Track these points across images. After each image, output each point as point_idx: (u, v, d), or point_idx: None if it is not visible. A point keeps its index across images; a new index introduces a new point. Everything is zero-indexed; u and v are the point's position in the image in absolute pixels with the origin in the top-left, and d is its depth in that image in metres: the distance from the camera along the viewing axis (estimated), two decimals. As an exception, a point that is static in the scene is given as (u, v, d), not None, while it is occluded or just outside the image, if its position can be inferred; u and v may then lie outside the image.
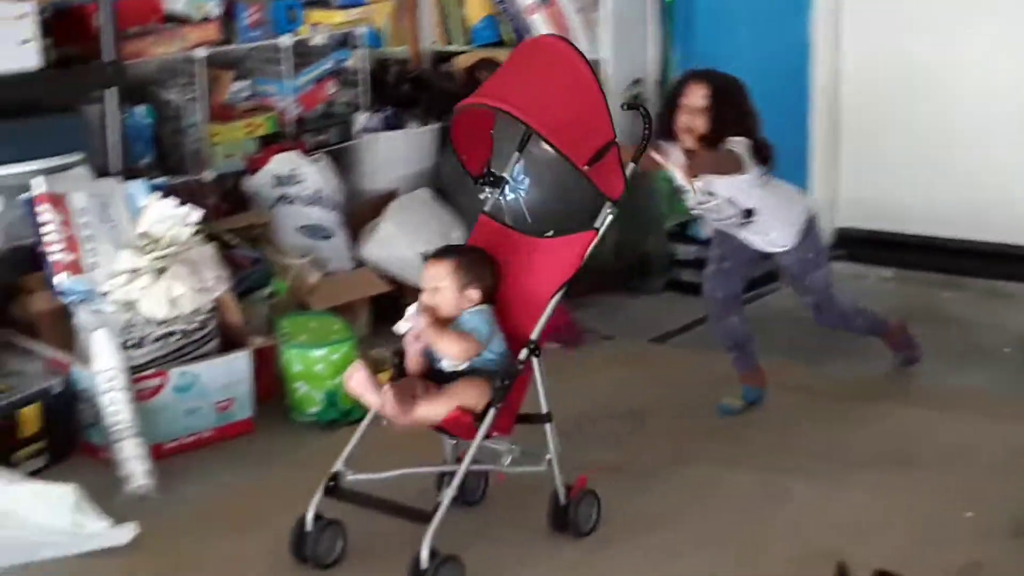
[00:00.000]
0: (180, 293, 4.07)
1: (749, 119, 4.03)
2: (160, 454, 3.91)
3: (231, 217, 5.00)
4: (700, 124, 3.95)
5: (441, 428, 3.36)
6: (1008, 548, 3.33)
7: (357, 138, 5.49)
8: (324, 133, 5.44)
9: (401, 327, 3.38)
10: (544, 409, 3.42)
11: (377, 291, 5.09)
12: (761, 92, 5.78)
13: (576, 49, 3.41)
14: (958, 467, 3.84)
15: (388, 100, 5.77)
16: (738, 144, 3.95)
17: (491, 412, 3.25)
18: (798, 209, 4.23)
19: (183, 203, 4.35)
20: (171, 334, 4.10)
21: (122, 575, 3.30)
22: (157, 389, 4.00)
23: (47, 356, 4.11)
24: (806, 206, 4.30)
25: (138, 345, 4.03)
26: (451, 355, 3.33)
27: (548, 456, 3.40)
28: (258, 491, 3.81)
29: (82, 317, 4.03)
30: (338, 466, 3.33)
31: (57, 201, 4.12)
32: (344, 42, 5.56)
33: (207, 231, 4.43)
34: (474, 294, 3.36)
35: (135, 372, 3.95)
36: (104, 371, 3.85)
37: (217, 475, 3.90)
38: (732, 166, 3.94)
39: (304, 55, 5.38)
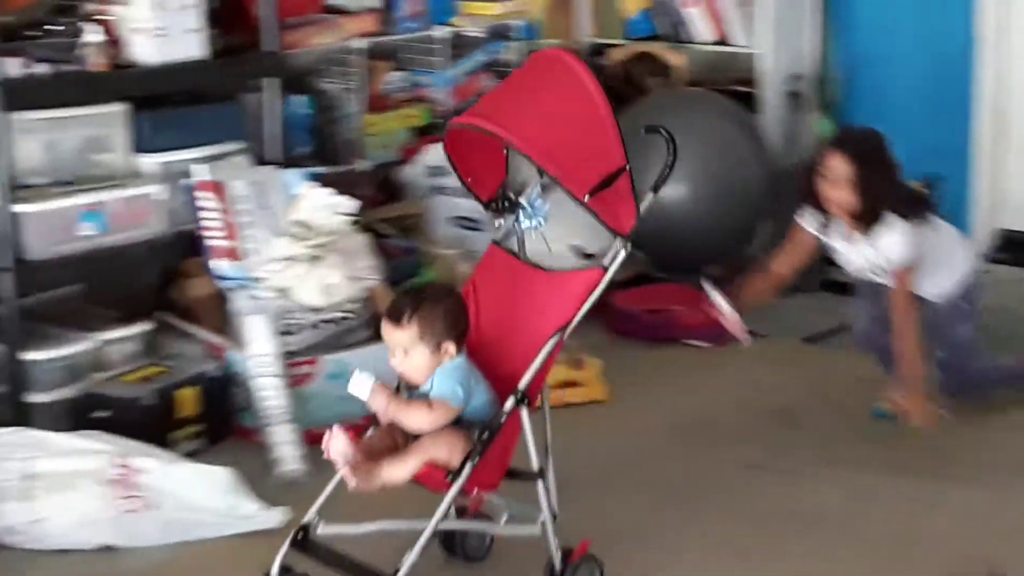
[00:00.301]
0: (334, 282, 4.12)
1: (895, 177, 3.85)
2: (311, 440, 3.95)
3: (384, 207, 5.05)
4: (846, 198, 3.80)
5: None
6: None
7: (510, 130, 5.49)
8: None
9: (354, 390, 3.01)
10: (535, 466, 3.03)
11: (526, 283, 5.09)
12: (922, 86, 5.66)
13: (583, 64, 3.03)
14: None
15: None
16: (897, 236, 3.81)
17: (467, 468, 2.89)
18: (961, 256, 4.05)
19: (339, 192, 4.41)
20: (324, 322, 4.15)
21: (272, 557, 3.34)
22: (310, 376, 4.06)
23: (205, 340, 4.20)
24: (970, 254, 4.13)
25: (292, 332, 4.09)
26: (424, 430, 2.94)
27: (541, 518, 3.05)
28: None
29: (239, 303, 4.11)
30: (309, 516, 3.01)
31: (217, 188, 4.20)
32: (499, 34, 5.57)
33: (361, 221, 4.48)
34: (451, 347, 2.95)
35: (289, 358, 4.01)
36: (259, 356, 3.92)
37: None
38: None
39: (459, 47, 5.41)
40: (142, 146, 4.20)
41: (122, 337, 4.12)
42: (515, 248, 3.25)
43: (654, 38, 6.12)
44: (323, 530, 2.99)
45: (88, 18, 4.04)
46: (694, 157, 5.27)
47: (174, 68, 4.19)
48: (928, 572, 3.23)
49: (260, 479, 3.70)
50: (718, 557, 3.34)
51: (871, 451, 3.94)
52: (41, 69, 3.90)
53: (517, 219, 3.23)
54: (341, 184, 4.79)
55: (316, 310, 4.14)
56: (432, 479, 2.91)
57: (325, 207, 4.33)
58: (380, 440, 2.99)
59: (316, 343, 4.15)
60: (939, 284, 3.96)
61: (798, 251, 4.07)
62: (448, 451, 2.89)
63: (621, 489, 3.74)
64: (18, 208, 3.82)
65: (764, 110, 5.75)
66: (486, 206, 3.23)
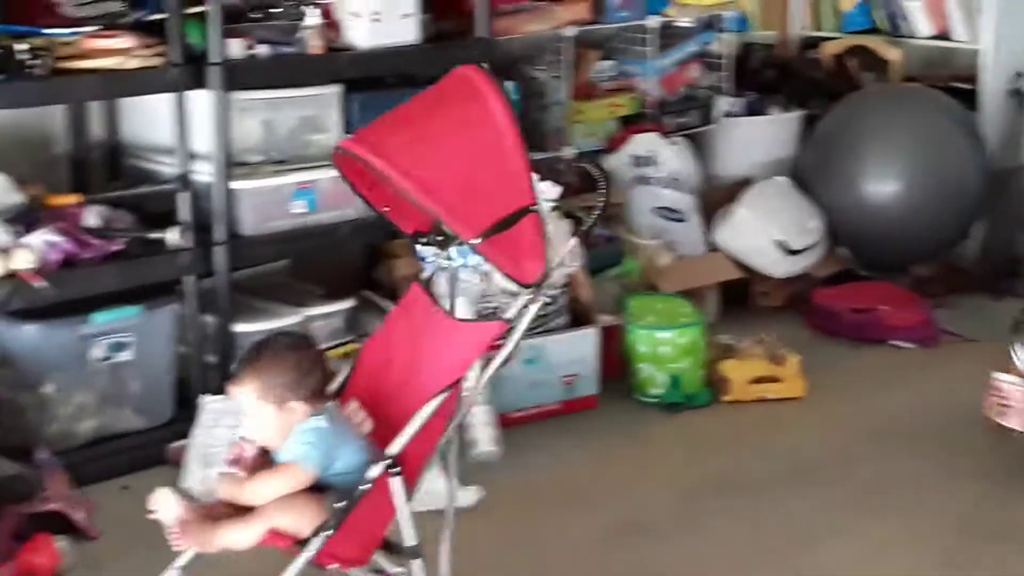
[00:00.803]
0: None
1: None
2: (506, 423, 4.00)
3: (587, 195, 5.05)
4: None
5: None
6: None
7: (717, 122, 5.45)
8: (684, 116, 5.41)
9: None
10: (410, 540, 2.60)
11: (728, 277, 5.05)
12: None
13: (494, 86, 2.60)
14: None
15: (750, 85, 5.70)
16: None
17: (318, 538, 2.47)
18: None
19: (543, 179, 4.43)
20: (524, 307, 4.17)
21: (462, 535, 3.39)
22: (506, 359, 4.09)
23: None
24: None
25: (492, 315, 4.13)
26: (268, 500, 2.51)
27: None
28: (596, 467, 3.86)
29: (441, 284, 4.16)
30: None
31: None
32: (710, 25, 5.52)
33: (564, 208, 4.49)
34: (299, 406, 2.54)
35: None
36: (460, 337, 3.96)
37: (559, 448, 3.97)
38: None
39: (669, 36, 5.37)
40: (353, 127, 4.29)
41: (327, 313, 4.22)
42: (442, 289, 2.89)
43: (871, 31, 5.98)
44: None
45: (309, 2, 4.15)
46: (907, 154, 5.15)
47: (388, 52, 4.27)
48: None
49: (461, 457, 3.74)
50: (902, 564, 3.25)
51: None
52: (262, 50, 4.02)
53: (448, 256, 2.86)
54: (546, 171, 4.83)
55: (516, 294, 4.16)
56: (281, 543, 2.52)
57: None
58: (211, 512, 2.57)
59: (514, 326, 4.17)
60: None
61: None
62: (295, 519, 2.49)
63: (810, 488, 3.67)
64: (235, 185, 3.94)
65: (984, 108, 5.55)
66: (413, 239, 2.82)
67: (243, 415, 2.57)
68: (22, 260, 3.58)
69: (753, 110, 5.58)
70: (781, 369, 4.34)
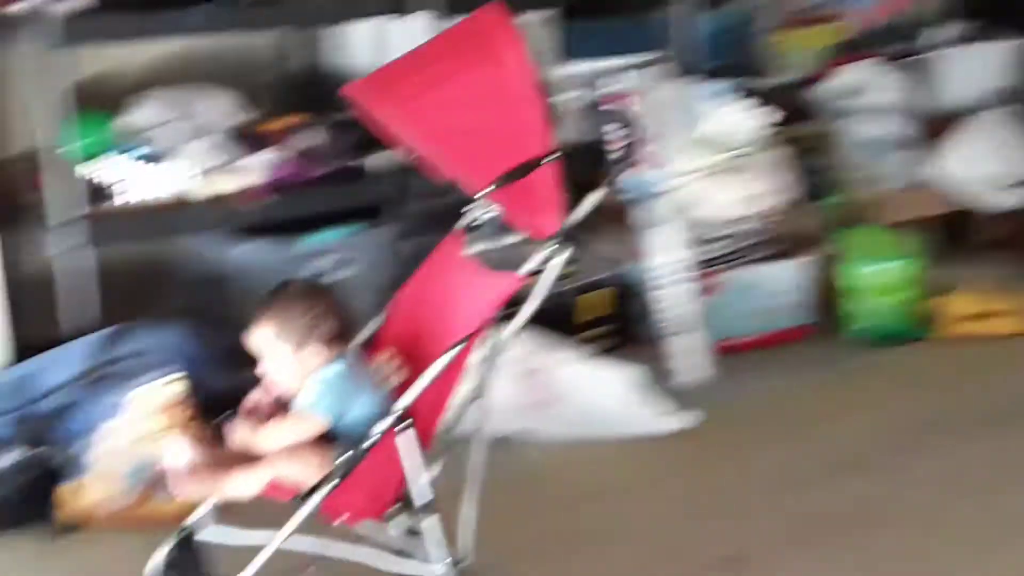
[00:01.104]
0: (750, 195, 4.10)
1: None
2: (716, 350, 3.97)
3: (798, 124, 4.95)
4: None
5: None
6: None
7: (934, 50, 5.27)
8: (901, 44, 5.25)
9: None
10: (422, 497, 2.42)
11: (943, 210, 4.90)
12: None
13: (514, 31, 2.38)
14: None
15: (970, 13, 5.48)
16: None
17: (321, 491, 2.38)
18: None
19: (759, 106, 4.36)
20: (735, 235, 4.14)
21: (675, 459, 3.43)
22: (718, 287, 4.07)
23: (615, 246, 4.26)
24: None
25: (703, 243, 4.10)
26: (279, 448, 2.44)
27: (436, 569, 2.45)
28: (806, 398, 3.82)
29: (652, 212, 4.15)
30: (194, 518, 2.59)
31: (635, 97, 4.23)
32: (929, -51, 5.33)
33: (776, 137, 4.41)
34: (318, 349, 2.45)
35: (698, 268, 4.02)
36: (669, 264, 3.95)
37: (770, 378, 3.93)
38: None
39: (886, -39, 5.21)
40: (568, 54, 4.28)
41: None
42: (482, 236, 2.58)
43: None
44: (210, 534, 2.58)
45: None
46: None
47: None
48: None
49: (666, 384, 3.77)
50: None
51: None
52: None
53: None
54: (760, 98, 4.75)
55: (730, 222, 4.12)
56: (281, 495, 2.45)
57: (740, 121, 4.30)
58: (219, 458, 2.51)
59: (726, 255, 4.13)
60: None
61: None
62: (301, 469, 2.41)
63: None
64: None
65: None
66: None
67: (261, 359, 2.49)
68: (243, 179, 3.67)
69: (972, 38, 5.37)
70: (1000, 305, 4.21)
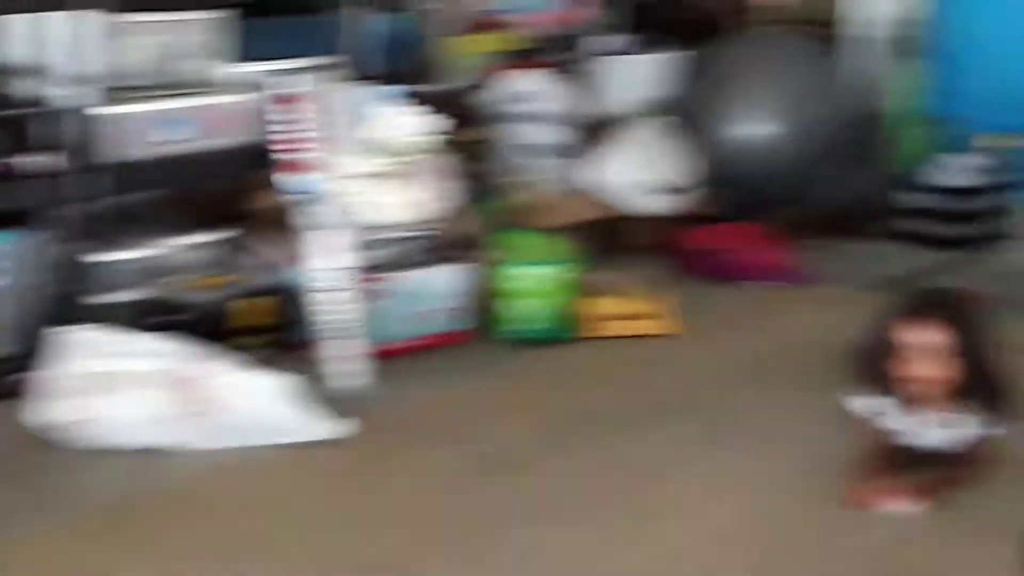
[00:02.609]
0: (417, 200, 4.16)
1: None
2: (378, 356, 4.03)
3: (467, 130, 5.08)
4: (940, 372, 3.15)
5: None
6: None
7: (597, 60, 5.48)
8: (566, 53, 5.45)
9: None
10: None
11: (602, 215, 5.11)
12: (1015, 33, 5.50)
13: None
14: None
15: (632, 24, 5.73)
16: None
17: None
18: None
19: (424, 112, 4.44)
20: (399, 240, 4.21)
21: (328, 468, 3.43)
22: (381, 292, 4.13)
23: (276, 252, 4.26)
24: None
25: (368, 248, 4.15)
26: None
27: None
28: (467, 400, 3.91)
29: (314, 216, 4.17)
30: None
31: (301, 100, 4.24)
32: (596, -38, 5.54)
33: (444, 142, 4.51)
34: None
35: (362, 274, 4.07)
36: (331, 270, 3.99)
37: (432, 381, 4.01)
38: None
39: (554, -27, 5.39)
40: (238, 55, 4.24)
41: (200, 243, 4.21)
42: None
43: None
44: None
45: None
46: (778, 98, 5.25)
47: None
48: (974, 524, 3.23)
49: (323, 391, 3.78)
50: (751, 494, 3.37)
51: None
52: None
53: None
54: (427, 103, 4.84)
55: (396, 227, 4.18)
56: None
57: (410, 125, 4.36)
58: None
59: (389, 260, 4.20)
60: None
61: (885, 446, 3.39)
62: None
63: (674, 423, 3.76)
64: (112, 109, 3.88)
65: (850, 54, 5.67)
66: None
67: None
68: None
69: (633, 49, 5.62)
70: (648, 307, 4.43)
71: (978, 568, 3.02)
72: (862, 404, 3.36)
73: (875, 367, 3.24)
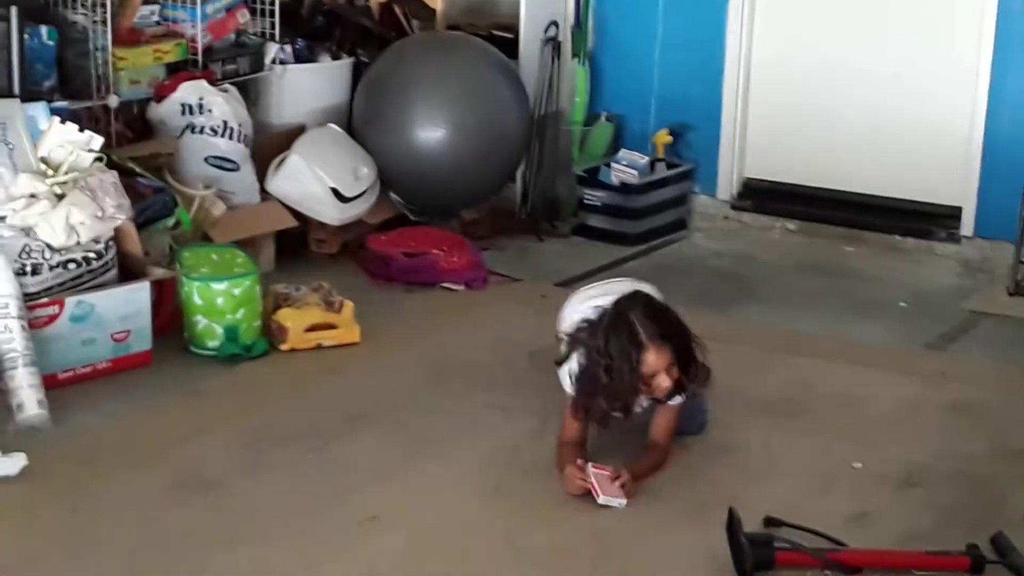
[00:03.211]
0: (79, 220, 4.00)
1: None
2: (54, 384, 3.84)
3: (135, 145, 4.92)
4: (670, 380, 3.42)
5: None
6: (896, 498, 3.40)
7: (267, 70, 5.42)
8: (234, 63, 5.35)
9: None
10: None
11: (283, 226, 5.05)
12: (679, 36, 5.87)
13: None
14: (849, 417, 3.91)
15: (301, 32, 5.69)
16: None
17: None
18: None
19: (85, 128, 4.27)
20: (69, 262, 4.03)
21: (9, 505, 3.26)
22: (53, 318, 3.93)
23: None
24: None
25: (34, 272, 3.96)
26: None
27: None
28: (153, 424, 3.78)
29: (-23, 241, 3.95)
30: None
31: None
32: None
33: (109, 158, 4.35)
34: None
35: (30, 300, 3.88)
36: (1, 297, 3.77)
37: (112, 407, 3.85)
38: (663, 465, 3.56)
39: (215, -19, 5.28)
40: None
41: None
42: None
43: (417, -21, 6.11)
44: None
45: None
46: (453, 101, 5.31)
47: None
48: (671, 510, 3.34)
49: (4, 424, 3.61)
50: (458, 497, 3.40)
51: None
52: None
53: None
54: (89, 120, 4.67)
55: (59, 250, 4.01)
56: None
57: (70, 143, 4.20)
58: None
59: (60, 284, 4.01)
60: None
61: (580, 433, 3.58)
62: None
63: (368, 432, 3.75)
64: None
65: (523, 56, 5.80)
66: None
67: None
68: None
69: (303, 57, 5.58)
70: (336, 316, 4.40)
71: (676, 557, 3.13)
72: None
73: (625, 388, 3.41)
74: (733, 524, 3.03)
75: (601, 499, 3.32)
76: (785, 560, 3.01)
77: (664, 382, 3.41)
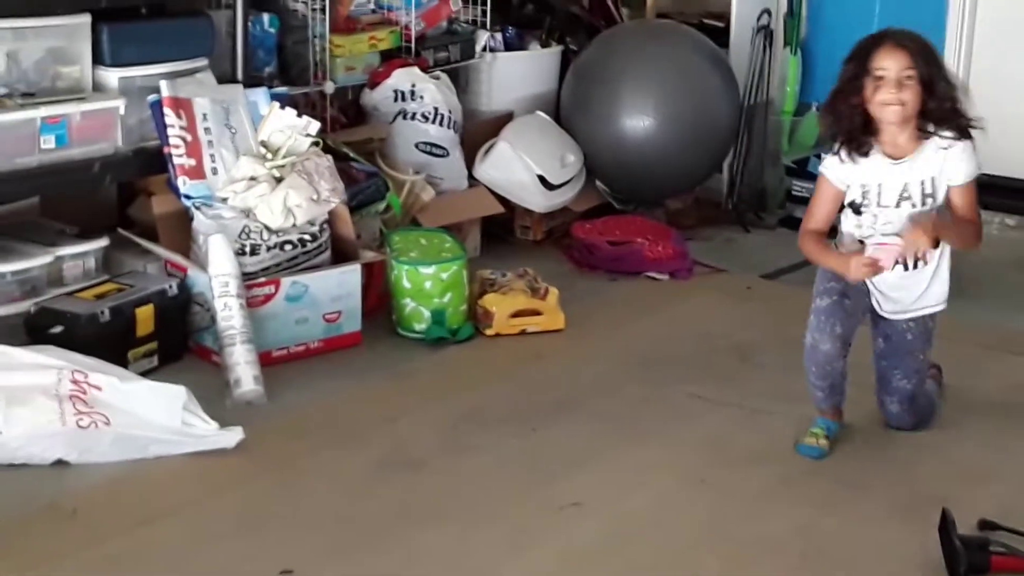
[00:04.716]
0: (296, 203, 4.11)
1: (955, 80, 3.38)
2: (269, 361, 3.95)
3: (349, 130, 5.02)
4: (911, 99, 3.29)
5: None
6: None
7: (478, 57, 5.47)
8: (445, 50, 5.42)
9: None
10: None
11: (490, 212, 5.10)
12: (893, 22, 5.68)
13: None
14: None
15: (511, 20, 5.73)
16: (961, 150, 3.38)
17: None
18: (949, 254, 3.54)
19: (303, 114, 4.38)
20: (285, 243, 4.14)
21: (226, 476, 3.37)
22: (269, 297, 4.05)
23: (165, 258, 4.18)
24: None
25: (253, 252, 4.08)
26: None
27: None
28: (361, 402, 3.85)
29: (200, 222, 4.09)
30: None
31: (182, 105, 4.16)
32: (468, -41, 5.52)
33: (325, 143, 4.45)
34: None
35: (248, 279, 3.99)
36: (219, 276, 3.90)
37: (323, 385, 3.94)
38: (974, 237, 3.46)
39: (430, -30, 5.36)
40: (105, 59, 4.14)
41: (79, 253, 4.09)
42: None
43: (627, -32, 6.09)
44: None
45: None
46: (661, 89, 5.27)
47: (139, -19, 4.14)
48: (879, 507, 3.26)
49: (217, 399, 3.69)
50: (660, 487, 3.37)
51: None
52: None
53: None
54: (306, 105, 4.78)
55: (277, 231, 4.12)
56: None
57: (289, 128, 4.32)
58: None
59: (276, 264, 4.13)
60: (942, 289, 3.53)
61: (828, 204, 3.51)
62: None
63: (571, 418, 3.75)
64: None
65: (733, 45, 5.73)
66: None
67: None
68: None
69: (513, 45, 5.63)
70: (541, 303, 4.41)
71: (886, 555, 3.05)
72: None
73: (843, 112, 3.37)
74: (947, 525, 2.94)
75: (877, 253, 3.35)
76: (1000, 565, 2.91)
77: (894, 95, 3.26)
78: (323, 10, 4.93)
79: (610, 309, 4.65)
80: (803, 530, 3.16)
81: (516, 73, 5.53)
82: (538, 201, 5.18)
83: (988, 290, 4.86)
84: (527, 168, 5.12)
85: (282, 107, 4.36)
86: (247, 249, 4.06)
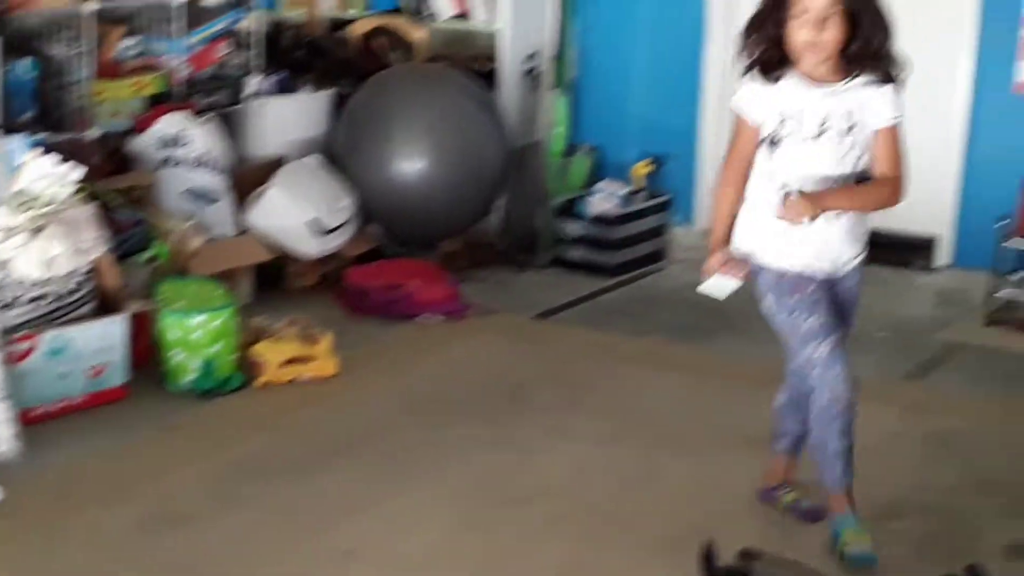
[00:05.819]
0: (56, 254, 4.00)
1: (888, 22, 3.09)
2: (29, 419, 3.83)
3: (114, 177, 4.92)
4: (833, 36, 3.04)
5: None
6: (873, 530, 3.38)
7: (247, 101, 5.43)
8: (214, 95, 5.37)
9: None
10: None
11: (260, 259, 5.05)
12: (655, 68, 5.87)
13: None
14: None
15: (281, 64, 5.71)
16: (888, 92, 3.11)
17: None
18: None
19: (64, 161, 4.27)
20: (45, 296, 4.02)
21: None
22: (28, 352, 3.92)
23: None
24: None
25: (10, 306, 3.95)
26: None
27: None
28: (127, 458, 3.76)
29: (-46, 274, 3.94)
30: None
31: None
32: (238, 3, 5.48)
33: (88, 191, 4.35)
34: None
35: (6, 334, 3.86)
36: (-26, 331, 3.76)
37: (86, 442, 3.84)
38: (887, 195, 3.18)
39: (197, 14, 5.30)
40: None
41: None
42: None
43: (396, 12, 6.13)
44: None
45: None
46: (432, 133, 5.32)
47: None
48: (645, 543, 3.34)
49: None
50: (435, 529, 3.38)
51: (598, 425, 4.04)
52: None
53: None
54: (68, 152, 4.64)
55: (36, 283, 4.00)
56: None
57: (49, 176, 4.19)
58: None
59: (36, 317, 4.00)
60: (863, 238, 3.34)
61: (747, 144, 3.21)
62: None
63: (344, 465, 3.74)
64: None
65: (502, 87, 5.82)
66: None
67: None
68: None
69: (283, 89, 5.61)
70: (313, 349, 4.39)
71: None
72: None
73: (766, 34, 3.11)
74: (708, 557, 3.02)
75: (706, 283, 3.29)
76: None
77: (818, 32, 3.01)
78: (85, 55, 4.81)
79: (384, 353, 4.66)
80: (571, 567, 3.21)
81: (287, 117, 5.51)
82: (310, 247, 5.16)
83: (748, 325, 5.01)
84: (298, 213, 5.10)
85: (41, 154, 4.23)
86: (3, 303, 3.93)
